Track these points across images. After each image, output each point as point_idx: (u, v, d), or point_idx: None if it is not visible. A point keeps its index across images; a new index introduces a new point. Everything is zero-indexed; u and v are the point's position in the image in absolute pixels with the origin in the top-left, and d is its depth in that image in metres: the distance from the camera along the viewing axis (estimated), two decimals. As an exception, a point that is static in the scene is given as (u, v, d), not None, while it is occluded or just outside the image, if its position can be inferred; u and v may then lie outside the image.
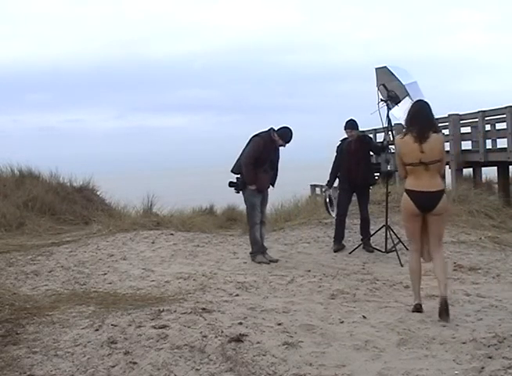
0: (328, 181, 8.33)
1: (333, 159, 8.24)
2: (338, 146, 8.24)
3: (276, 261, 7.23)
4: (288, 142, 7.30)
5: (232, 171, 7.35)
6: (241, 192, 7.32)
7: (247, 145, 7.29)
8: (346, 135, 8.10)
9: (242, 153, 7.30)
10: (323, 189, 8.39)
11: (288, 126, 7.32)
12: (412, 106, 5.06)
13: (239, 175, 7.27)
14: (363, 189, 8.12)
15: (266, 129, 7.32)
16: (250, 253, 7.33)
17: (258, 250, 7.27)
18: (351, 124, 7.99)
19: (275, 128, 7.29)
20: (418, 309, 5.00)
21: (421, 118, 4.84)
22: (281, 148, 7.37)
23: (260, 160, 7.14)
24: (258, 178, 7.17)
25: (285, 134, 7.25)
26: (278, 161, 7.44)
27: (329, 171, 8.26)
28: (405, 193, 4.93)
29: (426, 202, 4.82)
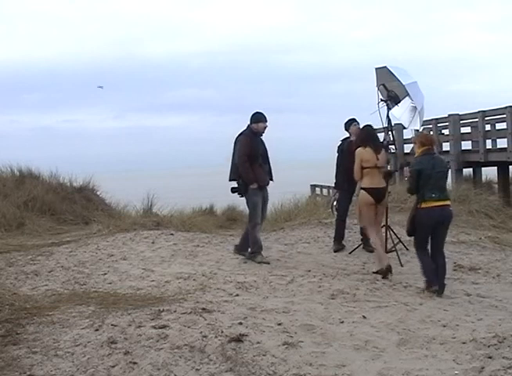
0: (335, 183, 8.29)
1: (336, 160, 8.19)
2: (339, 147, 8.20)
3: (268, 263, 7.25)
4: (266, 120, 7.38)
5: (230, 179, 7.34)
6: (244, 196, 7.31)
7: (234, 148, 7.31)
8: (347, 135, 8.07)
9: (233, 158, 7.31)
10: (333, 194, 8.36)
11: (256, 111, 7.42)
12: (364, 130, 7.08)
13: (239, 180, 7.24)
14: None
15: (244, 128, 7.39)
16: (250, 253, 7.32)
17: (258, 250, 7.27)
18: (351, 122, 7.98)
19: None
20: (388, 268, 6.43)
21: (375, 137, 7.02)
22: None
23: (252, 156, 7.16)
24: (256, 174, 7.18)
25: (258, 117, 7.35)
26: (267, 154, 7.46)
27: (335, 173, 8.20)
28: (363, 191, 6.70)
29: (379, 195, 6.69)
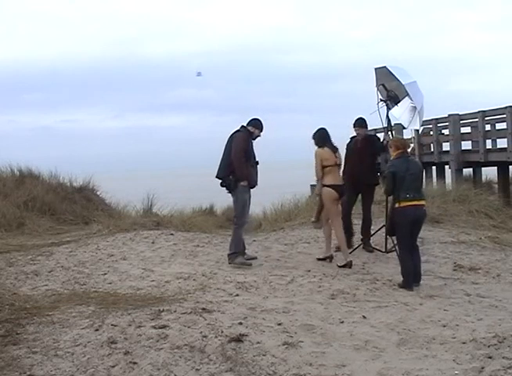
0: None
1: (344, 158, 8.13)
2: (348, 144, 8.17)
3: (255, 258, 7.31)
4: (262, 130, 7.44)
5: (217, 176, 7.25)
6: (232, 192, 7.25)
7: (227, 145, 7.24)
8: (355, 134, 8.07)
9: (223, 156, 7.23)
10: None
11: (256, 117, 7.47)
12: (321, 131, 7.31)
13: (229, 176, 7.16)
14: (367, 188, 8.05)
15: (238, 128, 7.37)
16: (232, 253, 7.10)
17: (239, 250, 7.13)
18: (359, 123, 7.97)
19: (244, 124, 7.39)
20: (331, 258, 7.16)
21: (330, 138, 7.30)
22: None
23: (247, 154, 7.15)
24: (249, 173, 7.14)
25: (257, 124, 7.40)
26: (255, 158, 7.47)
27: (342, 170, 8.14)
28: (327, 188, 7.04)
29: (341, 191, 7.16)
